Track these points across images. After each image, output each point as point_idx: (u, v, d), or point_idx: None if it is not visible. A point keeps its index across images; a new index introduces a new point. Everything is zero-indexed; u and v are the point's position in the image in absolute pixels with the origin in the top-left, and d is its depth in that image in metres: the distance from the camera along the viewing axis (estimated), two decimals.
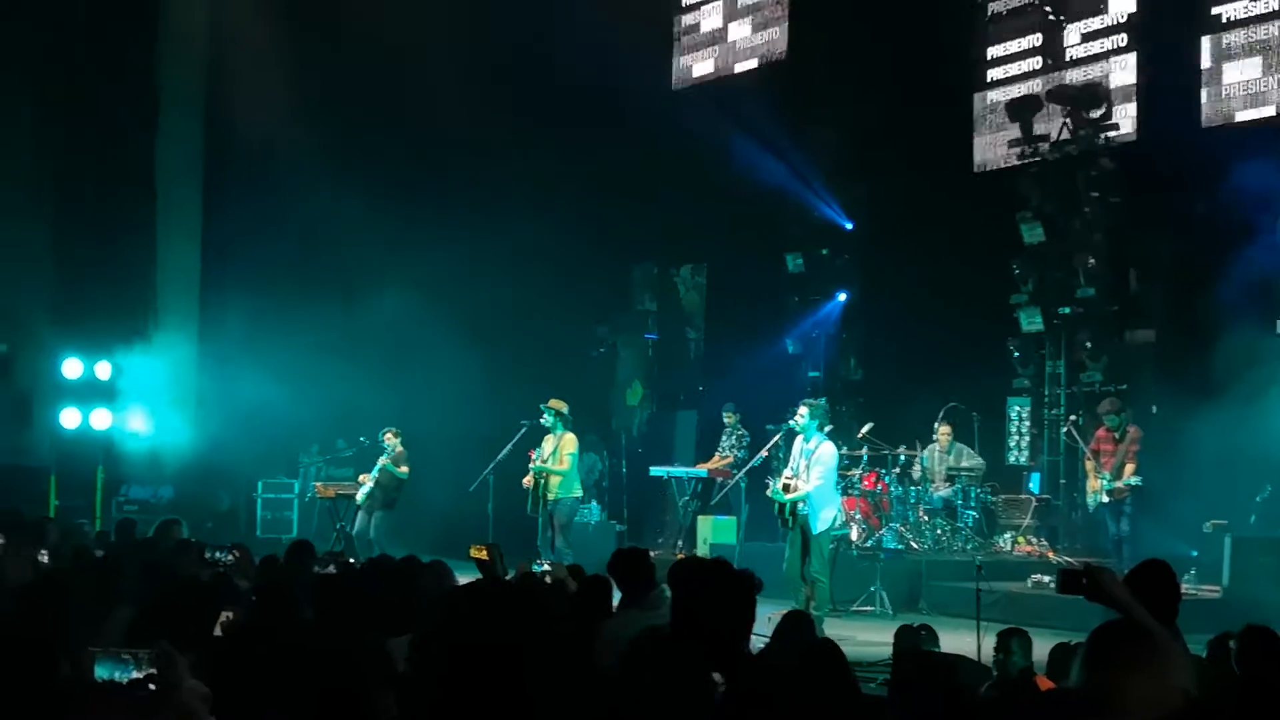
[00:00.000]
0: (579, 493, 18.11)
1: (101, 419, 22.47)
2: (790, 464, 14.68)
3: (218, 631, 6.53)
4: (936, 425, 18.93)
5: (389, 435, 19.57)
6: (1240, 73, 17.86)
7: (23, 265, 24.91)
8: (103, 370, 22.61)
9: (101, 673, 4.82)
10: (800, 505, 14.22)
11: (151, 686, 4.49)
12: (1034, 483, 19.52)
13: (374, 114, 24.25)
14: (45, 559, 9.61)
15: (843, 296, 22.26)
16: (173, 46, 25.60)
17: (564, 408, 17.69)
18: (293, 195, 24.15)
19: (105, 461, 22.82)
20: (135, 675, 4.79)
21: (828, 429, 14.93)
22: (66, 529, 14.88)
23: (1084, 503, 18.18)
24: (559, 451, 17.43)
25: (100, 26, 24.55)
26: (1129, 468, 16.60)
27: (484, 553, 10.10)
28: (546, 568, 10.91)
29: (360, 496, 19.49)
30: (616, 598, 8.47)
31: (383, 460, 19.39)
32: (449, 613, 4.97)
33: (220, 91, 25.40)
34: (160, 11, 25.39)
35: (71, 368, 22.43)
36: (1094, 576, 5.39)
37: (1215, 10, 18.10)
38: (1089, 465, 17.14)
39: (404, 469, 19.39)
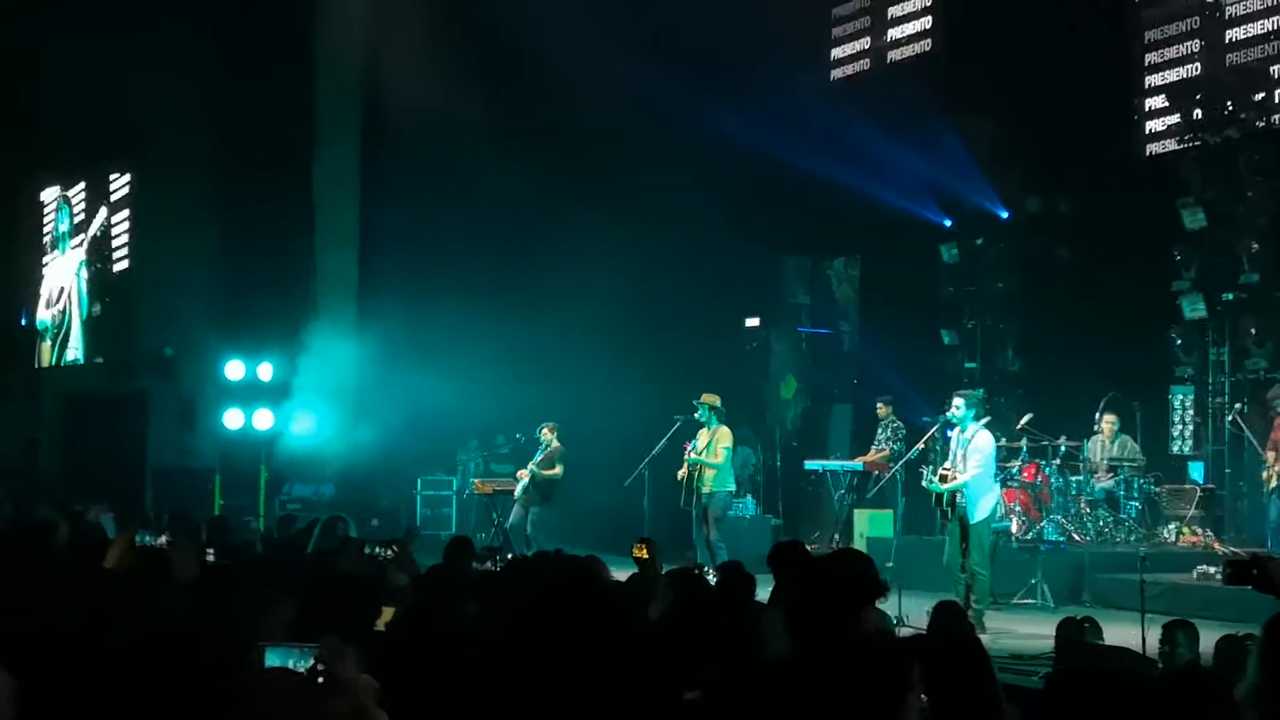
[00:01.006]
0: (732, 487, 18.11)
1: (264, 419, 22.88)
2: (948, 455, 14.56)
3: (380, 627, 6.63)
4: (1099, 415, 18.63)
5: (546, 430, 19.68)
6: None
7: (189, 271, 25.53)
8: (264, 371, 23.03)
9: (272, 663, 4.91)
10: (958, 495, 14.10)
11: (320, 680, 4.56)
12: (1196, 472, 19.14)
13: (528, 114, 24.44)
14: (211, 556, 9.82)
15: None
16: (329, 58, 26.05)
17: (717, 401, 17.70)
18: (449, 197, 24.45)
19: (268, 461, 23.24)
20: (305, 665, 4.87)
21: (985, 419, 14.77)
22: (233, 526, 15.18)
23: (1248, 491, 17.85)
24: (714, 445, 17.46)
25: (257, 43, 25.04)
26: None
27: (644, 550, 10.15)
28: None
29: (518, 491, 19.64)
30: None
31: (533, 464, 19.49)
32: (537, 602, 4.99)
33: (378, 96, 25.76)
34: (315, 26, 25.82)
35: (234, 369, 22.88)
36: (1263, 567, 5.28)
37: None
38: (1269, 456, 16.79)
39: (557, 469, 19.45)
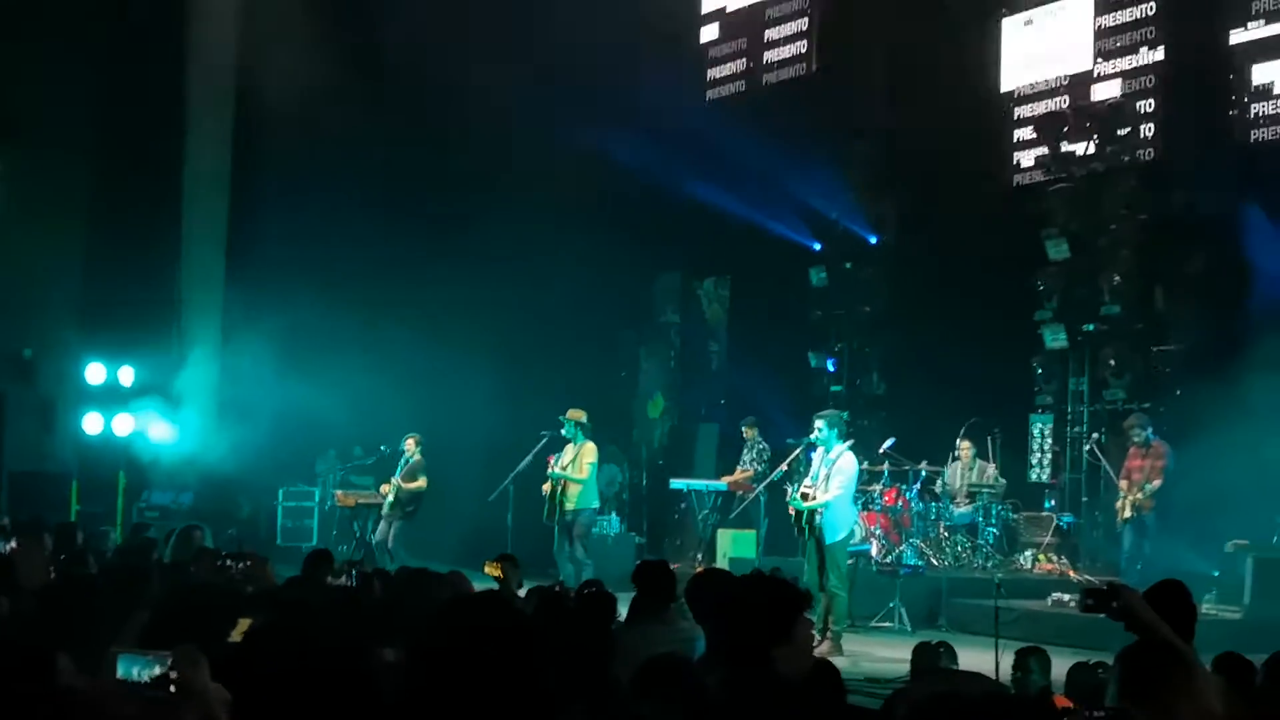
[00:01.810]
0: (596, 504, 18.06)
1: (124, 424, 22.54)
2: (810, 473, 14.65)
3: (235, 639, 6.52)
4: (958, 441, 18.87)
5: (410, 441, 19.50)
6: (1267, 89, 17.80)
7: (49, 270, 25.01)
8: (125, 376, 22.69)
9: (123, 670, 4.81)
10: (817, 515, 14.18)
11: (172, 688, 4.48)
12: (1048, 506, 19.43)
13: (403, 120, 24.32)
14: (63, 562, 9.63)
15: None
16: (202, 56, 25.67)
17: (583, 417, 17.65)
18: (318, 203, 24.21)
19: (127, 467, 22.87)
20: (155, 672, 4.77)
21: (849, 441, 14.87)
22: (87, 534, 14.90)
23: (1104, 520, 18.16)
24: (578, 460, 17.38)
25: (130, 39, 24.65)
26: (1155, 482, 16.60)
27: (498, 569, 10.06)
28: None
29: (385, 506, 19.45)
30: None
31: (395, 480, 19.31)
32: (442, 623, 4.91)
33: (248, 99, 25.46)
34: (188, 23, 25.46)
35: (95, 373, 22.51)
36: (1122, 596, 5.35)
37: (1238, 35, 18.04)
38: (1123, 485, 17.06)
39: (420, 482, 19.27)
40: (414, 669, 4.80)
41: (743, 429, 20.64)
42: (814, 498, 14.22)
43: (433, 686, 4.63)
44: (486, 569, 10.14)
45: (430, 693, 4.63)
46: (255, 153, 25.63)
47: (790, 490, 15.02)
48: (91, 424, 22.45)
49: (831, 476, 14.23)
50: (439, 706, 4.53)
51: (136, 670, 4.87)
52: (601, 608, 8.07)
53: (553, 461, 17.61)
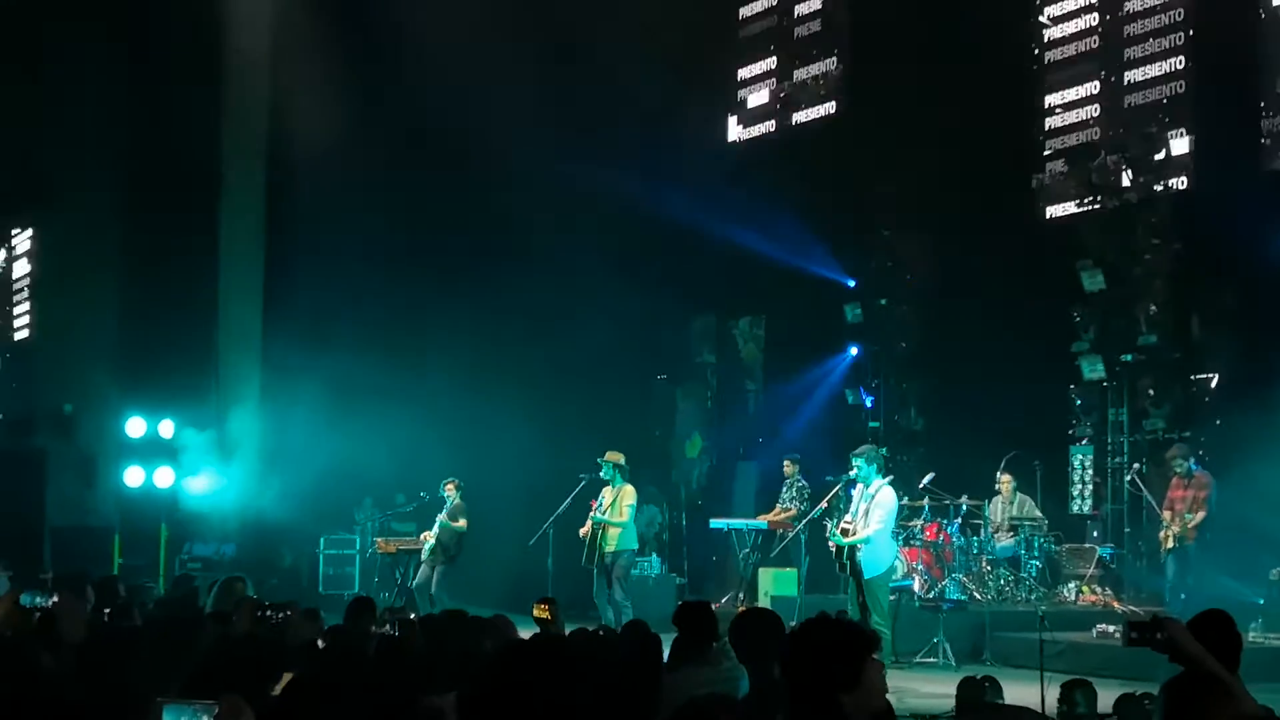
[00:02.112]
0: (635, 545, 18.03)
1: (165, 477, 22.65)
2: (850, 509, 14.63)
3: (276, 691, 6.54)
4: (999, 475, 18.81)
5: (449, 486, 19.56)
6: None
7: (89, 327, 25.23)
8: (166, 429, 22.81)
9: None
10: (857, 550, 14.17)
11: None
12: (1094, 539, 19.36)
13: (436, 169, 24.43)
14: (106, 616, 9.66)
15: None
16: (236, 114, 25.89)
17: (621, 459, 17.66)
18: (353, 254, 24.35)
19: (168, 520, 22.96)
20: None
21: (889, 477, 14.84)
22: (130, 586, 14.96)
23: (1146, 551, 18.08)
24: (618, 503, 17.39)
25: (161, 99, 24.85)
26: (1199, 514, 16.52)
27: (545, 611, 10.06)
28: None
29: (425, 552, 19.48)
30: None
31: (441, 516, 19.39)
32: (498, 669, 4.92)
33: (282, 156, 25.65)
34: (221, 80, 25.68)
35: (135, 427, 22.63)
36: (1167, 628, 5.33)
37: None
38: (1166, 516, 16.98)
39: (461, 522, 19.32)
40: (468, 715, 4.83)
41: (785, 464, 20.60)
42: (854, 533, 14.20)
43: None
44: (535, 611, 10.14)
45: None
46: (289, 205, 25.81)
47: (829, 526, 15.01)
48: (133, 477, 22.56)
49: (871, 511, 14.26)
50: None
51: None
52: (648, 650, 8.06)
53: (595, 505, 17.62)
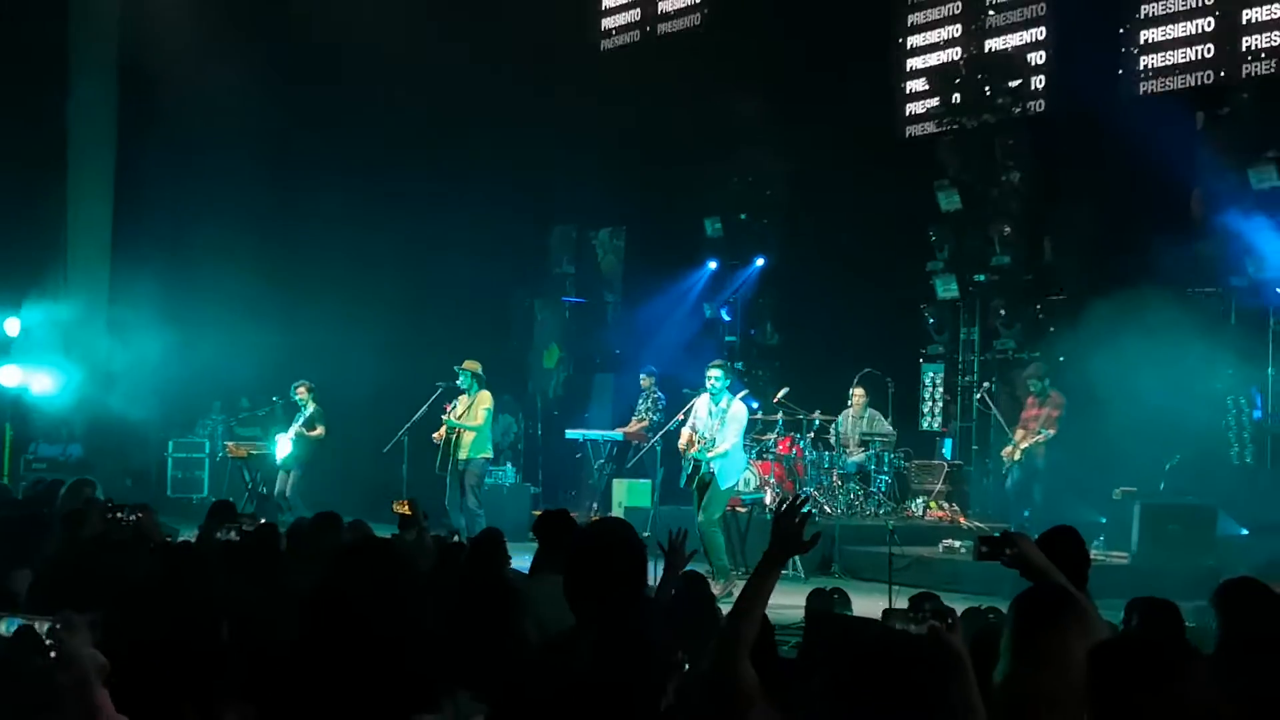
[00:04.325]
0: (489, 453, 17.92)
1: (9, 375, 22.18)
2: (690, 422, 14.74)
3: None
4: (851, 390, 19.01)
5: (301, 389, 19.29)
6: (1157, 42, 18.05)
7: None
8: (11, 326, 22.32)
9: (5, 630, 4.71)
10: (712, 462, 14.34)
11: (52, 654, 4.39)
12: (947, 448, 19.69)
13: (294, 65, 24.01)
14: None
15: (760, 262, 22.27)
16: (83, 6, 25.22)
17: (479, 368, 17.54)
18: (205, 155, 23.92)
19: (13, 419, 22.52)
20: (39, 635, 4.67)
21: (744, 393, 14.97)
22: None
23: (993, 468, 18.38)
24: (474, 408, 17.26)
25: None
26: (1050, 430, 16.81)
27: (406, 507, 10.03)
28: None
29: (284, 457, 19.27)
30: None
31: (297, 427, 19.17)
32: (336, 568, 4.88)
33: (136, 46, 25.00)
34: None
35: None
36: (1017, 544, 5.41)
37: None
38: (1018, 435, 17.23)
39: (319, 430, 19.16)
40: (309, 616, 4.78)
41: (641, 378, 20.65)
42: (706, 448, 14.37)
43: (326, 632, 4.62)
44: (395, 507, 10.11)
45: (323, 638, 4.62)
46: (142, 98, 25.20)
47: (687, 441, 15.01)
48: None
49: (727, 424, 14.36)
50: (329, 651, 4.53)
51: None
52: (493, 550, 8.03)
53: (449, 409, 17.48)
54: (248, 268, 23.64)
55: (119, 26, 25.45)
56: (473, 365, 17.55)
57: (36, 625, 4.32)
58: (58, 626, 4.28)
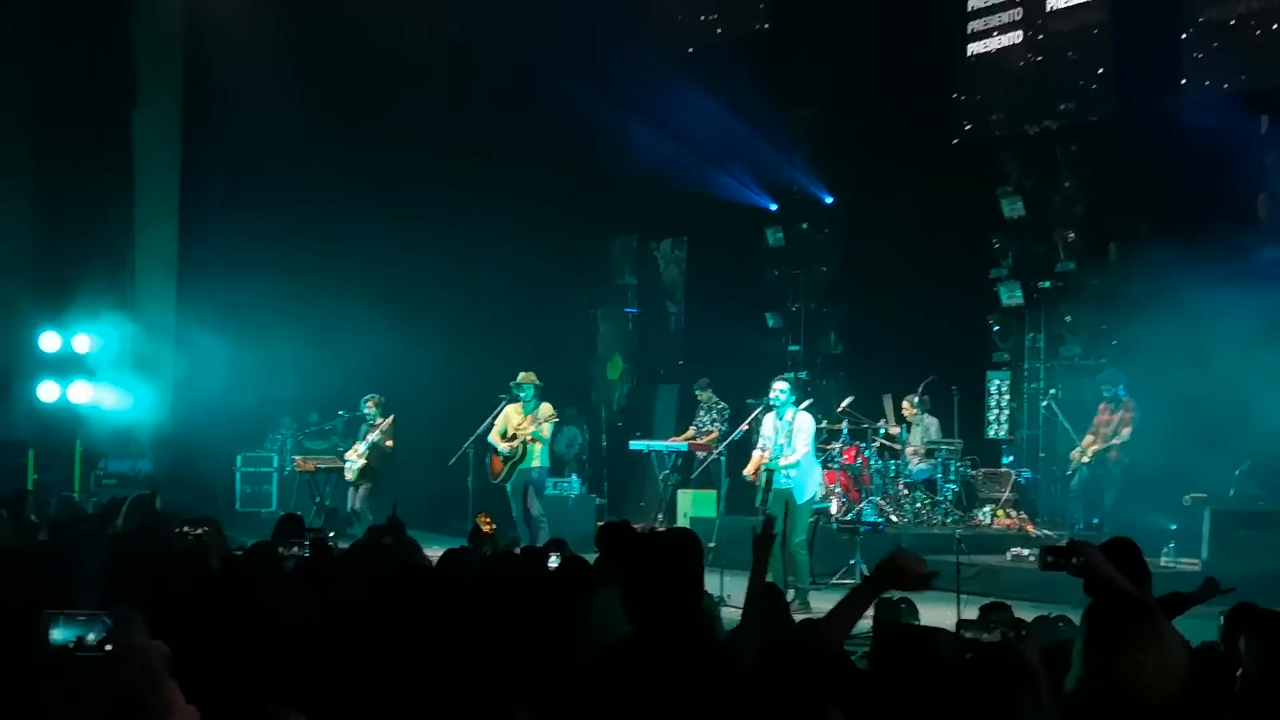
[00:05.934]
0: (547, 464, 18.02)
1: (80, 392, 22.36)
2: (760, 442, 14.74)
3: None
4: (903, 400, 19.01)
5: (370, 403, 19.51)
6: (1219, 46, 17.87)
7: (0, 239, 24.78)
8: (81, 343, 22.50)
9: (57, 635, 4.73)
10: (785, 475, 14.29)
11: (109, 649, 4.41)
12: (1005, 459, 19.52)
13: (353, 92, 24.12)
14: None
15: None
16: (151, 24, 25.42)
17: (535, 379, 17.64)
18: (270, 171, 24.07)
19: (83, 435, 22.71)
20: (96, 637, 4.70)
21: (808, 403, 14.93)
22: (49, 501, 14.84)
23: (1060, 476, 18.25)
24: (538, 420, 17.37)
25: (78, 8, 24.38)
26: (1124, 431, 16.70)
27: (489, 524, 10.15)
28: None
29: (352, 473, 19.42)
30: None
31: (372, 436, 19.32)
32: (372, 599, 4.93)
33: (199, 68, 25.23)
34: None
35: (49, 341, 22.31)
36: (1083, 553, 5.37)
37: None
38: (1089, 440, 17.12)
39: (390, 443, 19.36)
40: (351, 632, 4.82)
41: (696, 393, 20.65)
42: (780, 460, 14.36)
43: (370, 647, 4.65)
44: (481, 524, 10.20)
45: (368, 653, 4.65)
46: (206, 120, 25.41)
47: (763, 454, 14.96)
48: (47, 392, 22.27)
49: (794, 435, 14.35)
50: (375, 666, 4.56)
51: (78, 635, 4.79)
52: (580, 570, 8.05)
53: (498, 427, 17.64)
54: (310, 284, 23.75)
55: (182, 48, 25.66)
56: (529, 377, 17.63)
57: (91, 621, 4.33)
58: (113, 622, 4.30)
